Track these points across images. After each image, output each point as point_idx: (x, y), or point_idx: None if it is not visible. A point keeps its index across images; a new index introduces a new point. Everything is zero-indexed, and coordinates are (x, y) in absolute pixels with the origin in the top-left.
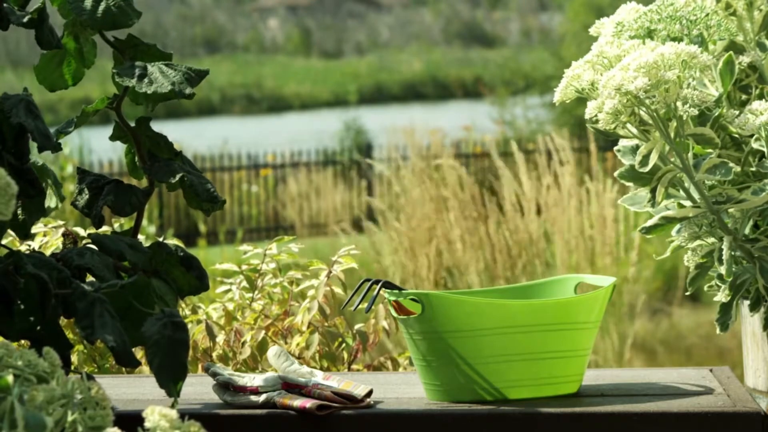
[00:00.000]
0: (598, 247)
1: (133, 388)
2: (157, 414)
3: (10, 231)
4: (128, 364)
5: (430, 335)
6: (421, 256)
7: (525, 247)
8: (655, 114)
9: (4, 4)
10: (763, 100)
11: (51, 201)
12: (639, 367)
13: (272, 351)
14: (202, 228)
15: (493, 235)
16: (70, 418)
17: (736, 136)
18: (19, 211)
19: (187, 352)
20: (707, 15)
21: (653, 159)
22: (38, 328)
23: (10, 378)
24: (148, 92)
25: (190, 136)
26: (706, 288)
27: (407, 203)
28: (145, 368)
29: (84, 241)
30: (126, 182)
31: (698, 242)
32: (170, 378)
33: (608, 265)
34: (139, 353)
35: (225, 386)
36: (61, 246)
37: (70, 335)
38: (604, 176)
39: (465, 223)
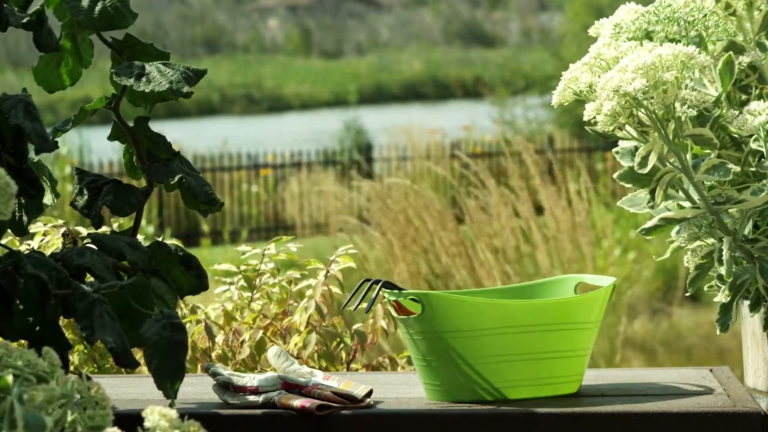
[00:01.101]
0: (585, 249)
1: (133, 388)
2: (157, 414)
3: (9, 230)
4: (127, 365)
5: (430, 335)
6: (405, 261)
7: (516, 248)
8: (653, 115)
9: (4, 5)
10: (762, 100)
11: (47, 198)
12: (639, 367)
13: (272, 351)
14: (205, 228)
15: (476, 239)
16: (69, 418)
17: (736, 136)
18: (16, 210)
19: (185, 354)
20: (705, 16)
21: (652, 160)
22: (37, 328)
23: (9, 378)
24: (146, 91)
25: (190, 136)
26: (706, 288)
27: (393, 206)
28: (145, 368)
29: (84, 241)
30: (125, 182)
31: (698, 243)
32: (168, 379)
33: (602, 266)
34: (138, 354)
35: (225, 386)
36: (61, 246)
37: (70, 335)
38: (602, 177)
39: (447, 228)
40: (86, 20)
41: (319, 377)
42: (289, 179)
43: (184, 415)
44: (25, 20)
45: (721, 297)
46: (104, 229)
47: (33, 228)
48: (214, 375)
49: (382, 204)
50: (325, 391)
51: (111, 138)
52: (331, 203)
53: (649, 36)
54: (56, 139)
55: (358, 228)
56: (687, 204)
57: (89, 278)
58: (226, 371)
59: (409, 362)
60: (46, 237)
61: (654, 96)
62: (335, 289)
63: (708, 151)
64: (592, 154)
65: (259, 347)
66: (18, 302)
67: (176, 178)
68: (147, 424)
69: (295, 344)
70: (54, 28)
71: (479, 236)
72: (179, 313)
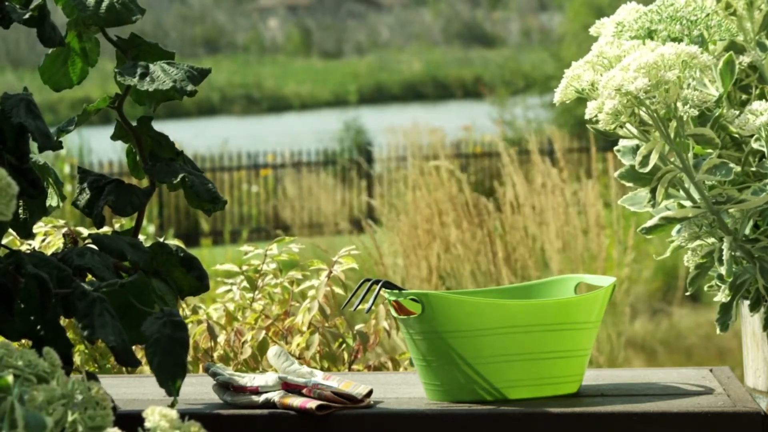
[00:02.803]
0: (585, 247)
1: (133, 388)
2: (157, 414)
3: (10, 230)
4: (128, 363)
5: (430, 335)
6: (420, 259)
7: (519, 248)
8: (655, 114)
9: (6, 2)
10: (764, 100)
11: (52, 200)
12: (639, 367)
13: (272, 351)
14: (205, 227)
15: (486, 238)
16: (70, 418)
17: (736, 136)
18: (20, 211)
19: (186, 351)
20: (707, 15)
21: (653, 159)
22: (39, 327)
23: (10, 378)
24: (150, 90)
25: (190, 136)
26: (706, 288)
27: (404, 205)
28: (146, 368)
29: (85, 241)
30: (126, 182)
31: (698, 242)
32: (170, 377)
33: (601, 266)
34: (139, 353)
35: (225, 386)
36: (61, 246)
37: (70, 335)
38: (602, 177)
39: (463, 226)
40: (93, 16)
41: (319, 377)
42: (288, 179)
43: (184, 415)
44: (27, 16)
45: (721, 297)
46: (106, 229)
47: (34, 228)
48: (215, 375)
49: (414, 195)
50: (325, 391)
51: (114, 137)
52: (331, 203)
53: (651, 35)
54: (60, 139)
55: (367, 226)
56: (688, 203)
57: (90, 279)
58: (226, 371)
59: (411, 363)
60: (47, 237)
61: (656, 95)
62: (338, 290)
63: (709, 150)
64: (599, 153)
65: (261, 348)
66: (19, 302)
67: (179, 178)
68: (147, 424)
69: (298, 345)
70: (58, 25)
71: (509, 231)
72: (180, 313)
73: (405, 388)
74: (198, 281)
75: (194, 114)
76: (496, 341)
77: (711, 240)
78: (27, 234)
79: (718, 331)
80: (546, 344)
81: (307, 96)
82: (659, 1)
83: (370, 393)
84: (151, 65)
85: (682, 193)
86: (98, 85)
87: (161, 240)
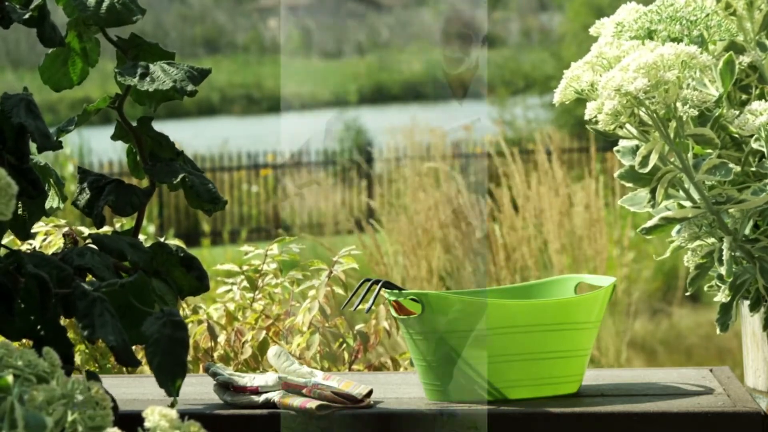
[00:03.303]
0: (585, 247)
1: (133, 388)
2: (157, 414)
3: (10, 230)
4: (128, 363)
5: (430, 335)
6: (420, 259)
7: (519, 248)
8: (654, 114)
9: (6, 2)
10: (763, 100)
11: (54, 201)
12: (639, 367)
13: (272, 351)
14: (206, 227)
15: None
16: (70, 418)
17: (736, 136)
18: (20, 212)
19: (186, 351)
20: (707, 15)
21: (653, 160)
22: (39, 327)
23: (10, 378)
24: (150, 90)
25: (190, 136)
26: (706, 288)
27: (404, 206)
28: (146, 368)
29: (85, 241)
30: (126, 182)
31: (698, 242)
32: (170, 377)
33: (601, 266)
34: (139, 353)
35: (225, 386)
36: (62, 246)
37: (71, 335)
38: (603, 177)
39: (462, 228)
40: (93, 16)
41: (319, 377)
42: (288, 179)
43: (184, 415)
44: (27, 16)
45: (721, 297)
46: (106, 228)
47: (35, 228)
48: (215, 375)
49: (413, 195)
50: (325, 391)
51: (114, 138)
52: (331, 203)
53: (651, 35)
54: (60, 140)
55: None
56: (687, 203)
57: (90, 279)
58: (226, 371)
59: (412, 363)
60: (47, 237)
61: (655, 95)
62: (338, 290)
63: (709, 150)
64: (599, 153)
65: (262, 348)
66: (19, 302)
67: (179, 178)
68: (147, 424)
69: (298, 345)
70: (58, 25)
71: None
72: (181, 313)
73: (405, 388)
74: (198, 281)
75: (194, 114)
76: (496, 341)
77: (711, 240)
78: (26, 235)
79: (718, 331)
80: (546, 344)
81: (307, 96)
82: (659, 1)
83: (370, 393)
84: (151, 65)
85: (681, 193)
86: (98, 85)
87: (161, 240)
